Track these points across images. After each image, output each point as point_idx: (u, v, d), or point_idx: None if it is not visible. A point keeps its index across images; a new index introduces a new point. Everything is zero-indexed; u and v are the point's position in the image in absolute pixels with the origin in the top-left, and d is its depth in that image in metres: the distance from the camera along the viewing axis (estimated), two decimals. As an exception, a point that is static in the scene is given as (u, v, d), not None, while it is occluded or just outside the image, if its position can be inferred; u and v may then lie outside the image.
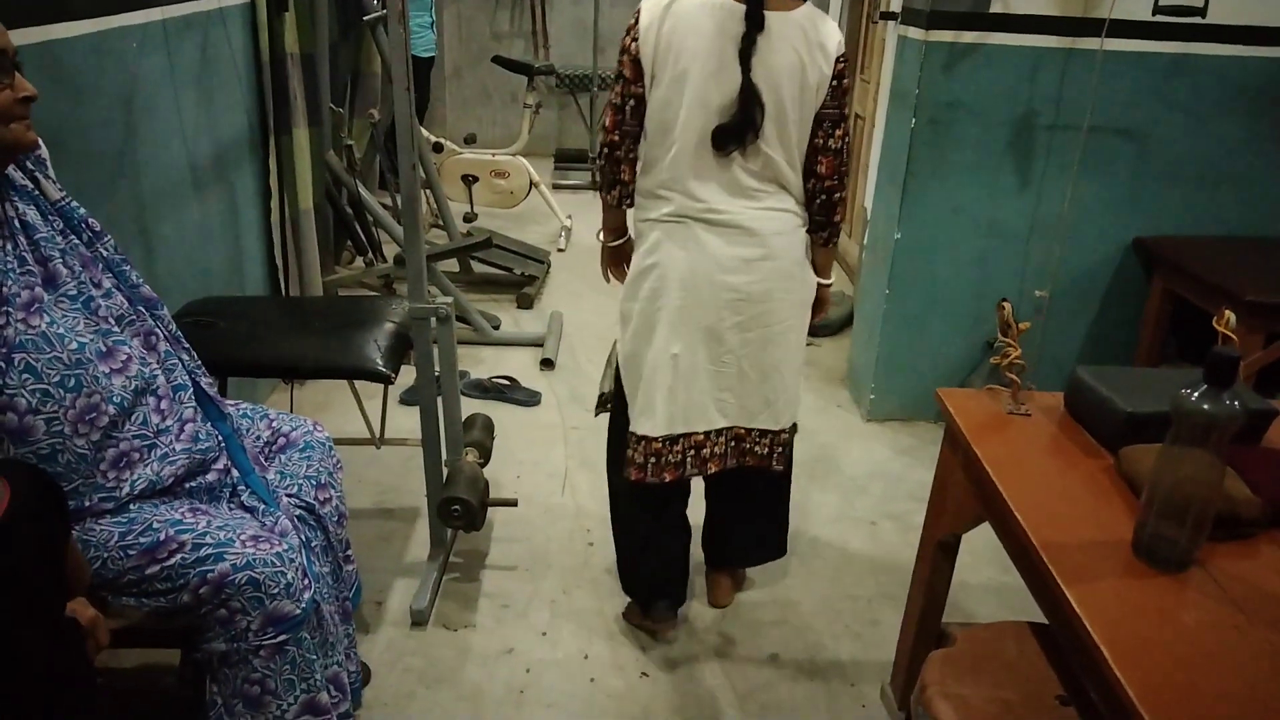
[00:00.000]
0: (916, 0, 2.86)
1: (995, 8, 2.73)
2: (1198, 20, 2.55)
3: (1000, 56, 2.79)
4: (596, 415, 2.28)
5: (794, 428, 2.11)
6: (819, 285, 2.06)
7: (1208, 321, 1.56)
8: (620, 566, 2.27)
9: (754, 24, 1.78)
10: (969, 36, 2.76)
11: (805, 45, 1.83)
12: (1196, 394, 1.14)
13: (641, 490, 2.04)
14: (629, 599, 2.26)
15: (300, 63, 3.13)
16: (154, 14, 2.36)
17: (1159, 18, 2.58)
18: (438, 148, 4.79)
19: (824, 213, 1.96)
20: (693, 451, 2.01)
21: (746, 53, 1.79)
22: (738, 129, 1.82)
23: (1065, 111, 2.85)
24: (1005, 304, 1.66)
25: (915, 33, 2.85)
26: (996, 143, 2.89)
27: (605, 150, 1.96)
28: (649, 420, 1.97)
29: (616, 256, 2.17)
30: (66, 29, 2.00)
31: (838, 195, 1.94)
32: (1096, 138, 2.86)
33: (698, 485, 2.22)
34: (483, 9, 6.64)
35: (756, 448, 2.05)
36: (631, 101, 1.90)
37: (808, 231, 1.99)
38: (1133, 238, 3.01)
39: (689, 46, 1.81)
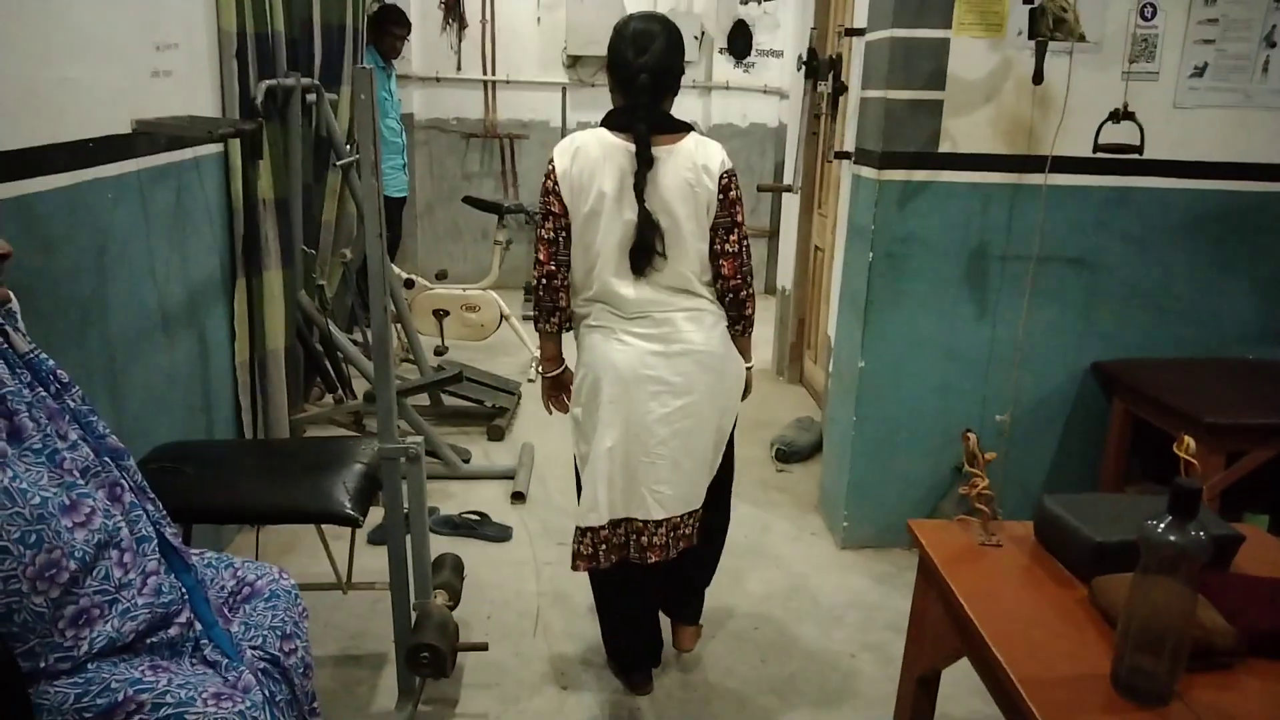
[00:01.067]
0: (868, 141, 2.99)
1: (944, 147, 2.87)
2: (1135, 157, 2.69)
3: (951, 192, 2.91)
4: None
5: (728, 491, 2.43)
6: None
7: (1169, 441, 1.59)
8: (603, 636, 2.51)
9: (644, 162, 2.07)
10: (920, 175, 2.89)
11: (693, 169, 2.11)
12: (1163, 525, 1.16)
13: (605, 577, 2.28)
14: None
15: (274, 207, 3.19)
16: (129, 165, 2.42)
17: (1099, 155, 2.71)
18: (409, 284, 4.86)
19: (735, 308, 2.23)
20: (634, 537, 2.20)
21: (639, 187, 2.08)
22: (643, 251, 2.11)
23: (1015, 242, 2.96)
24: (970, 435, 1.69)
25: (868, 172, 2.98)
26: (952, 273, 2.99)
27: (544, 281, 2.19)
28: (594, 513, 2.16)
29: (555, 387, 2.37)
30: (40, 183, 2.03)
31: (744, 293, 2.21)
32: (1047, 266, 2.97)
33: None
34: (454, 151, 6.86)
35: (684, 530, 2.24)
36: (564, 234, 2.17)
37: (727, 326, 2.23)
38: (1090, 362, 3.09)
39: (595, 184, 2.10)
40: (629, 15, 2.21)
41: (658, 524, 2.18)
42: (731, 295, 2.20)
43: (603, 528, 2.16)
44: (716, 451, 2.28)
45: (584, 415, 2.21)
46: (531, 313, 2.36)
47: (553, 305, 2.21)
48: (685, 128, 2.17)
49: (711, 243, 2.16)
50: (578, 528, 2.19)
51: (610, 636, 2.48)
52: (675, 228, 2.11)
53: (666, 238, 2.11)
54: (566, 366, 2.34)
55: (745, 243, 2.19)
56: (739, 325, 2.24)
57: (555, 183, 2.14)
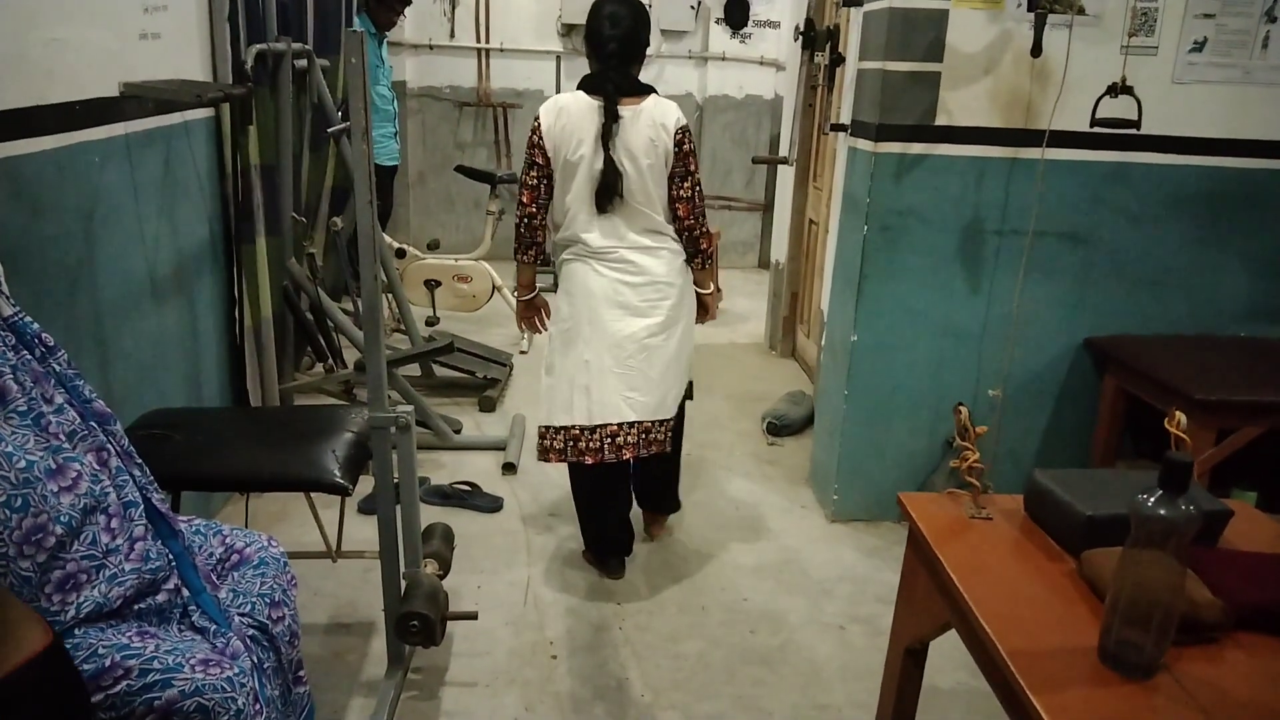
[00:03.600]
0: (865, 113, 2.97)
1: (940, 120, 2.85)
2: (1133, 132, 2.67)
3: (947, 166, 2.90)
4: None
5: (689, 393, 2.79)
6: (699, 293, 2.73)
7: (1161, 417, 1.59)
8: (582, 530, 2.88)
9: (610, 116, 2.48)
10: (916, 148, 2.87)
11: (652, 126, 2.50)
12: (1153, 499, 1.16)
13: (582, 473, 2.69)
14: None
15: (263, 173, 3.16)
16: (117, 129, 2.39)
17: (1096, 129, 2.70)
18: (401, 253, 4.83)
19: (691, 245, 2.65)
20: (609, 439, 2.57)
21: (605, 138, 2.48)
22: (605, 192, 2.50)
23: (1011, 217, 2.95)
24: (962, 408, 1.69)
25: (864, 144, 2.96)
26: (947, 247, 2.98)
27: (525, 220, 2.61)
28: (566, 415, 2.58)
29: (530, 309, 2.84)
30: (27, 145, 2.01)
31: (698, 231, 2.63)
32: (1043, 241, 2.96)
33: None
34: (446, 119, 6.80)
35: (658, 435, 2.62)
36: (544, 181, 2.57)
37: (686, 260, 2.65)
38: (1083, 338, 3.09)
39: (575, 137, 2.50)
40: None
41: (630, 425, 2.57)
42: (688, 234, 2.62)
43: (574, 428, 2.56)
44: (680, 365, 2.67)
45: (559, 334, 2.64)
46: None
47: (530, 241, 2.63)
48: (648, 90, 2.55)
49: (669, 189, 2.57)
50: (548, 427, 2.61)
51: (588, 529, 2.84)
52: (639, 175, 2.50)
53: (629, 183, 2.50)
54: (539, 292, 2.81)
55: (698, 189, 2.60)
56: (697, 259, 2.66)
57: (540, 137, 2.53)
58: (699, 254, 2.65)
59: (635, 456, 2.59)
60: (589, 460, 2.57)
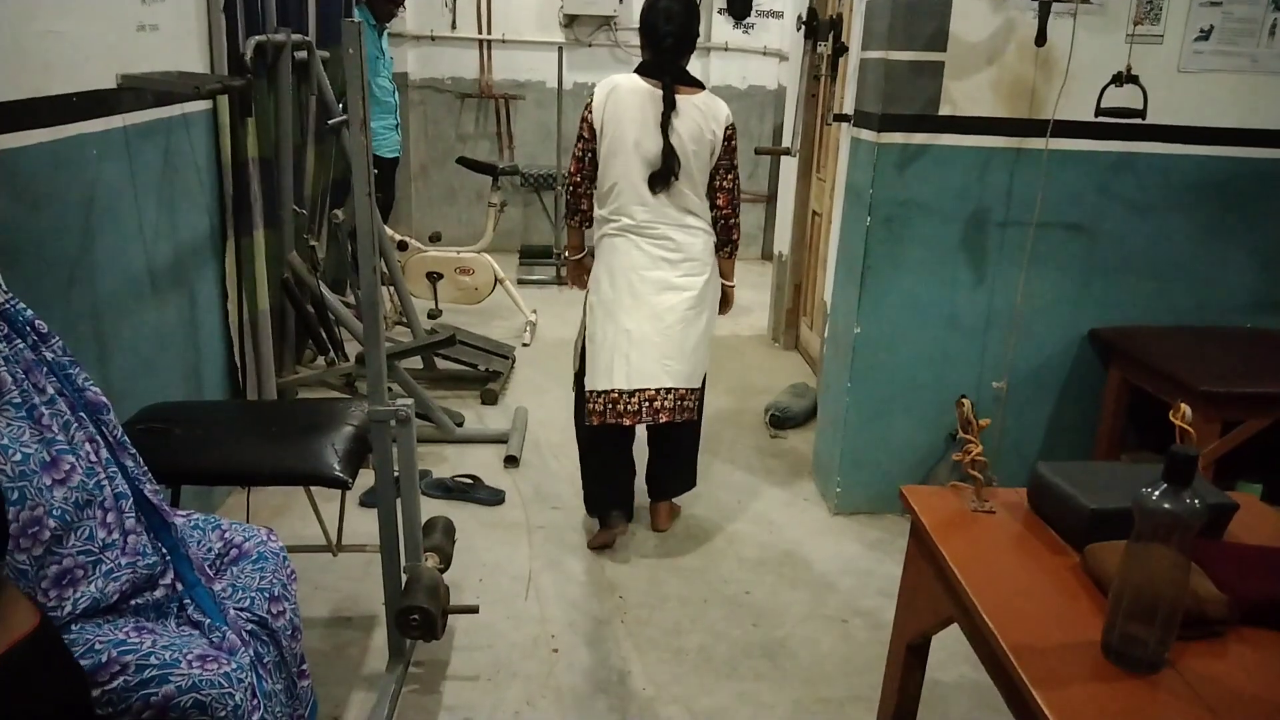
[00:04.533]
0: (868, 104, 2.95)
1: (944, 110, 2.82)
2: (1138, 121, 2.65)
3: (951, 156, 2.87)
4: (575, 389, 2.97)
5: (704, 382, 2.93)
6: (724, 285, 2.93)
7: (1165, 409, 1.58)
8: (585, 494, 3.03)
9: (669, 105, 2.65)
10: (920, 138, 2.85)
11: (704, 118, 2.68)
12: (1157, 493, 1.15)
13: (599, 437, 2.86)
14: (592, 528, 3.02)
15: (260, 166, 3.15)
16: (115, 121, 2.37)
17: (1101, 119, 2.67)
18: (403, 246, 4.82)
19: (724, 233, 2.84)
20: (647, 403, 2.74)
21: (665, 124, 2.64)
22: (664, 175, 2.67)
23: (1015, 208, 2.93)
24: (965, 400, 1.67)
25: (867, 135, 2.94)
26: (951, 238, 2.96)
27: (571, 188, 2.83)
28: (607, 379, 2.73)
29: (579, 268, 3.00)
30: (23, 138, 1.99)
31: (733, 220, 2.83)
32: (1047, 232, 2.94)
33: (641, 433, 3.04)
34: (448, 111, 6.78)
35: (688, 403, 2.81)
36: (590, 154, 2.76)
37: (716, 247, 2.83)
38: (1088, 329, 3.07)
39: (626, 118, 2.67)
40: None
41: (668, 391, 2.75)
42: (723, 222, 2.82)
43: (614, 392, 2.72)
44: (707, 341, 2.86)
45: (600, 303, 2.78)
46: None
47: (576, 207, 2.85)
48: (699, 84, 2.76)
49: (712, 179, 2.75)
50: (592, 390, 2.75)
51: (595, 491, 3.00)
52: (687, 161, 2.68)
53: (679, 168, 2.66)
54: (588, 252, 2.93)
55: (738, 182, 2.82)
56: (727, 248, 2.86)
57: (591, 112, 2.72)
58: (730, 243, 2.85)
59: (671, 420, 2.76)
60: (627, 422, 2.74)
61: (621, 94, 2.68)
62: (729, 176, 2.77)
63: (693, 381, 2.80)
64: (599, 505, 2.99)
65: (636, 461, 3.09)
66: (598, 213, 2.80)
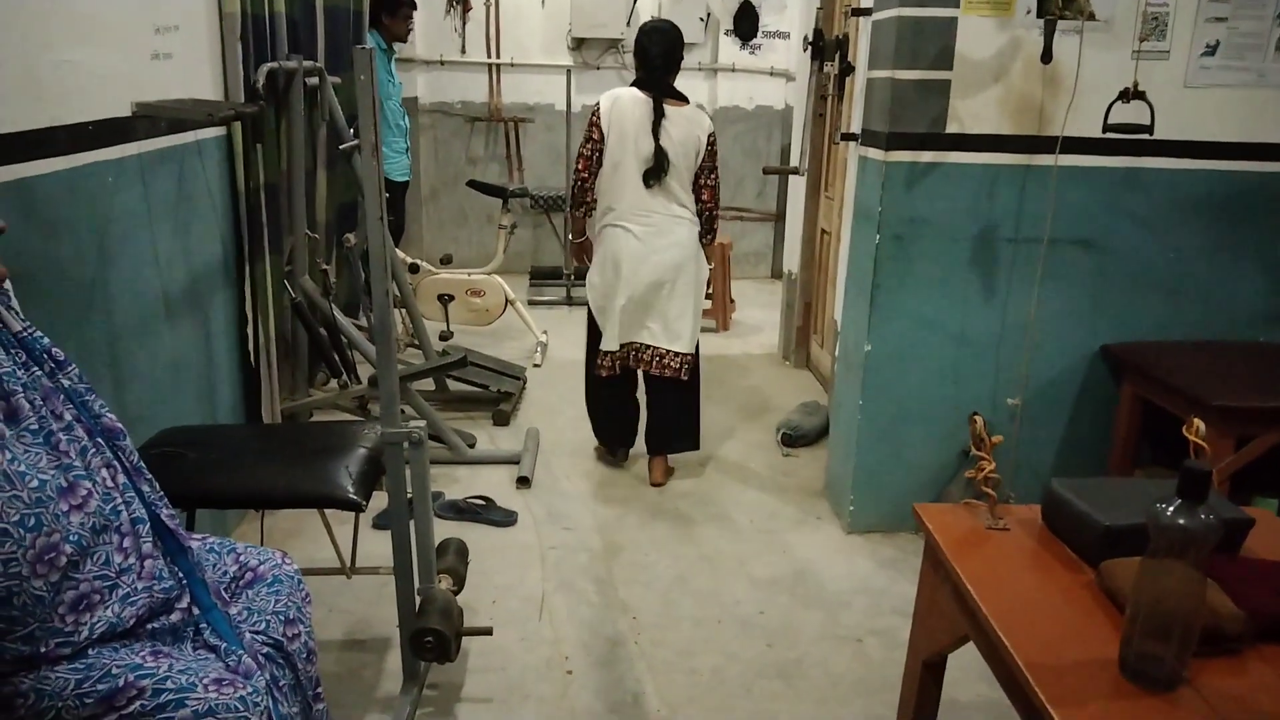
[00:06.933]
0: (875, 122, 2.96)
1: (951, 128, 2.83)
2: (1146, 137, 2.65)
3: (959, 174, 2.88)
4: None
5: (697, 349, 3.50)
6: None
7: (1179, 425, 1.57)
8: (594, 428, 3.75)
9: (659, 113, 3.25)
10: (927, 156, 2.86)
11: (689, 126, 3.29)
12: (1172, 509, 1.15)
13: (605, 383, 3.53)
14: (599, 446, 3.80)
15: (267, 191, 3.17)
16: (130, 149, 2.40)
17: (1109, 135, 2.68)
18: (414, 268, 4.84)
19: (708, 223, 3.45)
20: (634, 353, 3.46)
21: (655, 130, 3.24)
22: (655, 171, 3.26)
23: (1025, 225, 2.93)
24: (977, 418, 1.67)
25: (875, 153, 2.95)
26: (961, 256, 2.96)
27: (578, 183, 3.41)
28: (611, 342, 3.41)
29: (580, 250, 3.66)
30: (40, 166, 2.02)
31: (714, 212, 3.45)
32: (1057, 249, 2.94)
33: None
34: (458, 135, 6.83)
35: (671, 362, 3.42)
36: (597, 153, 3.33)
37: (700, 235, 3.43)
38: (1100, 345, 3.06)
39: (626, 123, 3.26)
40: (648, 20, 3.49)
41: (645, 346, 3.42)
42: (707, 214, 3.42)
43: (617, 350, 3.41)
44: (691, 312, 3.41)
45: (601, 283, 3.43)
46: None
47: (581, 200, 3.45)
48: (685, 99, 3.36)
49: (697, 178, 3.35)
50: (602, 351, 3.44)
51: (604, 427, 3.70)
52: (675, 161, 3.26)
53: (668, 166, 3.24)
54: (587, 237, 3.57)
55: (718, 181, 3.44)
56: (708, 236, 3.46)
57: (599, 116, 3.31)
58: (711, 231, 3.46)
59: (648, 370, 3.44)
60: (619, 369, 3.47)
61: (623, 103, 3.27)
62: (712, 176, 3.38)
63: (675, 344, 3.39)
64: (606, 439, 3.72)
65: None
66: (600, 204, 3.38)
